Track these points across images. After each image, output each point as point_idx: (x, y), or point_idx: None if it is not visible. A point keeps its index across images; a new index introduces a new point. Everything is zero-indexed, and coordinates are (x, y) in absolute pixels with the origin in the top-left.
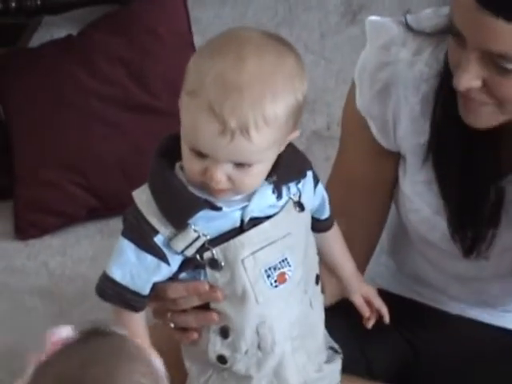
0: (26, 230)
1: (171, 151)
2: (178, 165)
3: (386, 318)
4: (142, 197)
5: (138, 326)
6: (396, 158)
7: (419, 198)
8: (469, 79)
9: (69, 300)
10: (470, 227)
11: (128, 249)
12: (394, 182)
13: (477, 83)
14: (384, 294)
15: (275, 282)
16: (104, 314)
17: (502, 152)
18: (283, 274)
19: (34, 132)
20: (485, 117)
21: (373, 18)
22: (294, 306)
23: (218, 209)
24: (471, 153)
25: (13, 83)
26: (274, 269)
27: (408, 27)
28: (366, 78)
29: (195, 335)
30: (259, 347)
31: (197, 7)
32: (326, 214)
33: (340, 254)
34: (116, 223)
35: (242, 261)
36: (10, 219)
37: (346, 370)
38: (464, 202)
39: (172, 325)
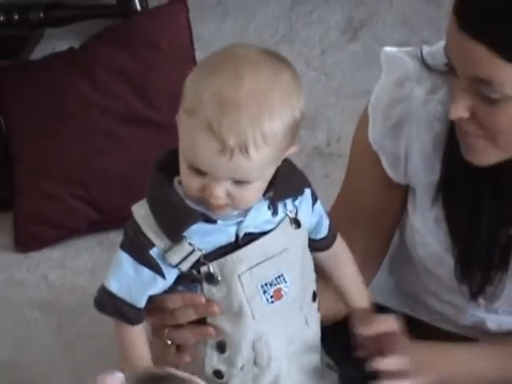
0: (25, 242)
1: (170, 165)
2: (176, 179)
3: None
4: (141, 211)
5: (137, 339)
6: (405, 189)
7: (430, 235)
8: (457, 109)
9: (68, 312)
10: (477, 270)
11: (126, 261)
12: (401, 213)
13: (465, 113)
14: (382, 309)
15: (271, 297)
16: (103, 327)
17: None
18: (279, 290)
19: (35, 144)
20: (481, 152)
21: (388, 49)
22: (290, 322)
23: (213, 222)
24: (480, 196)
25: (14, 95)
26: (270, 285)
27: (423, 62)
28: (379, 113)
29: (187, 358)
30: (255, 363)
31: (198, 23)
32: (322, 234)
33: (347, 279)
34: (116, 236)
35: (239, 276)
36: (9, 231)
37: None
38: (472, 244)
39: (169, 342)
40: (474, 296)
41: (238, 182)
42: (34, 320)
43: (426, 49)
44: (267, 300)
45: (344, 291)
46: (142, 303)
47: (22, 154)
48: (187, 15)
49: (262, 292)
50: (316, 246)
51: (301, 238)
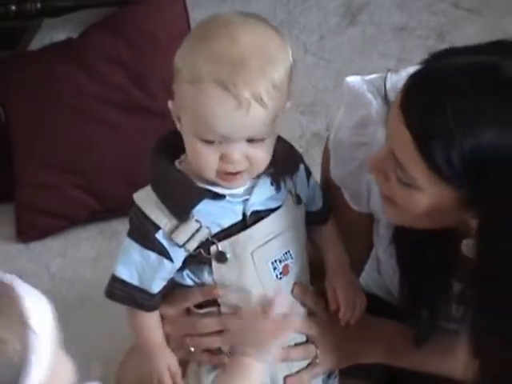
0: (27, 232)
1: (167, 150)
2: (177, 162)
3: (340, 319)
4: (142, 195)
5: (151, 327)
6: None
7: (391, 269)
8: (373, 167)
9: (70, 302)
10: (424, 310)
11: (131, 248)
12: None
13: (380, 177)
14: (384, 304)
15: (280, 273)
16: (105, 316)
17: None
18: (287, 265)
19: (34, 135)
20: (392, 215)
21: (351, 81)
22: (291, 297)
23: (221, 197)
24: (424, 244)
25: (13, 86)
26: (280, 261)
27: (386, 101)
28: (341, 154)
29: (226, 359)
30: None
31: (196, 8)
32: (317, 205)
33: (327, 243)
34: (117, 225)
35: (252, 254)
36: (11, 222)
37: (344, 373)
38: (416, 286)
39: (192, 349)
40: (421, 338)
41: (252, 141)
42: None
43: (391, 79)
44: (276, 276)
45: (323, 253)
46: (154, 289)
47: (22, 145)
48: (184, 3)
49: (272, 268)
50: (315, 218)
51: (302, 214)
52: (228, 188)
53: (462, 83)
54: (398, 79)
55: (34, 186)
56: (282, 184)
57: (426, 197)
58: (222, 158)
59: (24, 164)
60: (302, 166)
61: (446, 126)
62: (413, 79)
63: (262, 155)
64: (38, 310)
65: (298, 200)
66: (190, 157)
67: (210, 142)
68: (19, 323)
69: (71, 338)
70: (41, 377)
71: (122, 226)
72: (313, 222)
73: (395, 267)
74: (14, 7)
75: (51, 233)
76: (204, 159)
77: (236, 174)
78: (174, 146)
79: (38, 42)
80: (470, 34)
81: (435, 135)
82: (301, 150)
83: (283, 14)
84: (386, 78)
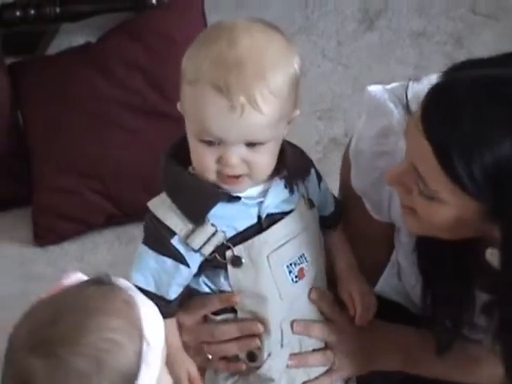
0: (44, 236)
1: (179, 156)
2: (189, 168)
3: (356, 320)
4: (157, 202)
5: (169, 333)
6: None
7: (414, 276)
8: (392, 179)
9: None
10: (446, 319)
11: (146, 254)
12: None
13: (400, 189)
14: (402, 310)
15: (296, 277)
16: None
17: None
18: (302, 269)
19: (52, 139)
20: (413, 226)
21: (373, 91)
22: (306, 303)
23: (236, 199)
24: (447, 254)
25: (31, 90)
26: (295, 264)
27: (408, 110)
28: (362, 164)
29: (243, 366)
30: (282, 345)
31: (213, 14)
32: (329, 209)
33: (338, 247)
34: (134, 230)
35: (267, 257)
36: (28, 226)
37: (362, 381)
38: (437, 298)
39: (210, 356)
40: (443, 347)
41: (252, 145)
42: None
43: (412, 88)
44: (292, 280)
45: (333, 258)
46: (171, 295)
47: (39, 149)
48: (202, 8)
49: (287, 272)
50: (327, 222)
51: (315, 217)
52: (232, 191)
53: (478, 95)
54: (419, 88)
55: (51, 190)
56: (295, 187)
57: (449, 209)
58: (220, 160)
59: (41, 168)
60: (313, 171)
61: (465, 139)
62: (431, 93)
63: (262, 160)
64: (152, 322)
65: (311, 204)
66: (192, 157)
67: (209, 143)
68: (136, 330)
69: None
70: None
71: (138, 230)
72: (324, 226)
73: (417, 275)
74: (32, 11)
75: (68, 237)
76: (203, 160)
77: (237, 177)
78: (186, 150)
79: (56, 47)
80: (487, 39)
81: (455, 148)
82: (318, 156)
83: (301, 20)
84: (407, 87)
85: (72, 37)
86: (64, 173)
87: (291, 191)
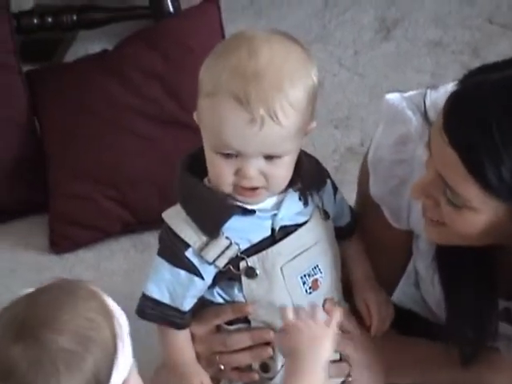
0: (60, 243)
1: (194, 168)
2: (205, 179)
3: (372, 330)
4: (172, 213)
5: (183, 345)
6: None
7: (431, 284)
8: (417, 192)
9: None
10: (469, 329)
11: (161, 266)
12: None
13: (426, 201)
14: (417, 319)
15: (310, 288)
16: (137, 328)
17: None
18: (316, 280)
19: (68, 146)
20: (439, 237)
21: (391, 99)
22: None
23: (251, 213)
24: (468, 262)
25: (48, 98)
26: (309, 275)
27: (426, 118)
28: (381, 173)
29: (256, 376)
30: None
31: (230, 23)
32: (346, 220)
33: (354, 257)
34: (149, 238)
35: (281, 268)
36: (45, 233)
37: None
38: (460, 305)
39: (222, 366)
40: (468, 357)
41: (270, 158)
42: None
43: (430, 96)
44: (306, 291)
45: (349, 267)
46: (185, 307)
47: (56, 156)
48: (220, 16)
49: (301, 283)
50: (343, 232)
51: (330, 228)
52: (247, 203)
53: (500, 97)
54: (437, 96)
55: (67, 197)
56: (310, 198)
57: (481, 216)
58: (238, 172)
59: (58, 175)
60: (328, 181)
61: (491, 143)
62: (451, 99)
63: (279, 172)
64: (117, 308)
65: (326, 215)
66: (209, 170)
67: (226, 156)
68: (108, 311)
69: None
70: (126, 370)
71: (154, 238)
72: (340, 236)
73: (436, 283)
74: (50, 19)
75: (84, 244)
76: (220, 172)
77: (253, 189)
78: (202, 161)
79: (73, 54)
80: (504, 49)
81: (483, 153)
82: (334, 165)
83: (318, 29)
84: (425, 95)
85: (89, 44)
86: (80, 180)
87: (305, 203)
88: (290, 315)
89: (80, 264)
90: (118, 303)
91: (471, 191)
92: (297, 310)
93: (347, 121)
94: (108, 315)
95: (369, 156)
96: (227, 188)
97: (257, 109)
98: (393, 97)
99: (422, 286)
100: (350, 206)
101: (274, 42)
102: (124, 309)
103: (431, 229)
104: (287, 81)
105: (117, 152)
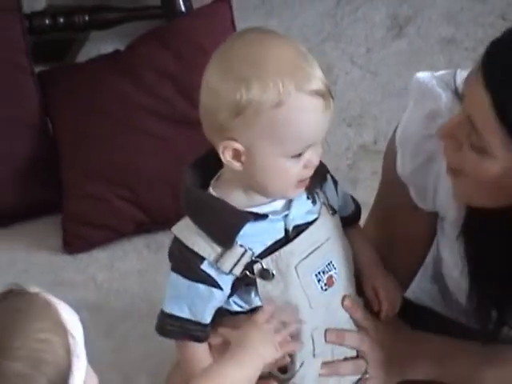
0: (73, 243)
1: (198, 178)
2: (210, 189)
3: (381, 315)
4: (181, 227)
5: (204, 356)
6: (435, 214)
7: (456, 268)
8: (446, 133)
9: (117, 313)
10: (493, 308)
11: (178, 282)
12: (432, 237)
13: (450, 142)
14: (432, 315)
15: (325, 285)
16: (152, 328)
17: None
18: (331, 276)
19: (81, 146)
20: (458, 188)
21: (421, 77)
22: (338, 310)
23: (264, 217)
24: (498, 239)
25: (61, 98)
26: (323, 272)
27: (456, 94)
28: (409, 149)
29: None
30: (314, 355)
31: (242, 22)
32: (350, 209)
33: (359, 243)
34: (163, 238)
35: (295, 268)
36: (58, 233)
37: None
38: (487, 283)
39: None
40: (490, 336)
41: (312, 145)
42: (82, 321)
43: (460, 75)
44: (321, 288)
45: (356, 252)
46: (206, 319)
47: (69, 157)
48: (232, 15)
49: (316, 280)
50: (348, 220)
51: (338, 223)
52: (289, 197)
53: None
54: (466, 74)
55: (80, 197)
56: (316, 196)
57: (498, 164)
58: (306, 165)
59: (71, 175)
60: (328, 176)
61: None
62: (494, 45)
63: (317, 159)
64: (69, 316)
65: (333, 210)
66: (270, 180)
67: (298, 155)
68: (61, 326)
69: (118, 350)
70: (81, 380)
71: (167, 238)
72: (345, 224)
73: (461, 266)
74: (62, 19)
75: (98, 244)
76: (289, 175)
77: (308, 178)
78: (203, 171)
79: (85, 55)
80: None
81: None
82: (348, 163)
83: (330, 27)
84: (455, 74)
85: (101, 44)
86: (93, 180)
87: (314, 202)
88: (263, 318)
89: (93, 264)
90: (132, 304)
91: (496, 136)
92: (273, 314)
93: (360, 119)
94: (61, 332)
95: (397, 134)
96: (291, 189)
97: (325, 89)
98: (423, 75)
99: (444, 271)
100: (352, 196)
101: (283, 39)
102: (138, 308)
103: (455, 182)
104: (310, 56)
105: (129, 152)
